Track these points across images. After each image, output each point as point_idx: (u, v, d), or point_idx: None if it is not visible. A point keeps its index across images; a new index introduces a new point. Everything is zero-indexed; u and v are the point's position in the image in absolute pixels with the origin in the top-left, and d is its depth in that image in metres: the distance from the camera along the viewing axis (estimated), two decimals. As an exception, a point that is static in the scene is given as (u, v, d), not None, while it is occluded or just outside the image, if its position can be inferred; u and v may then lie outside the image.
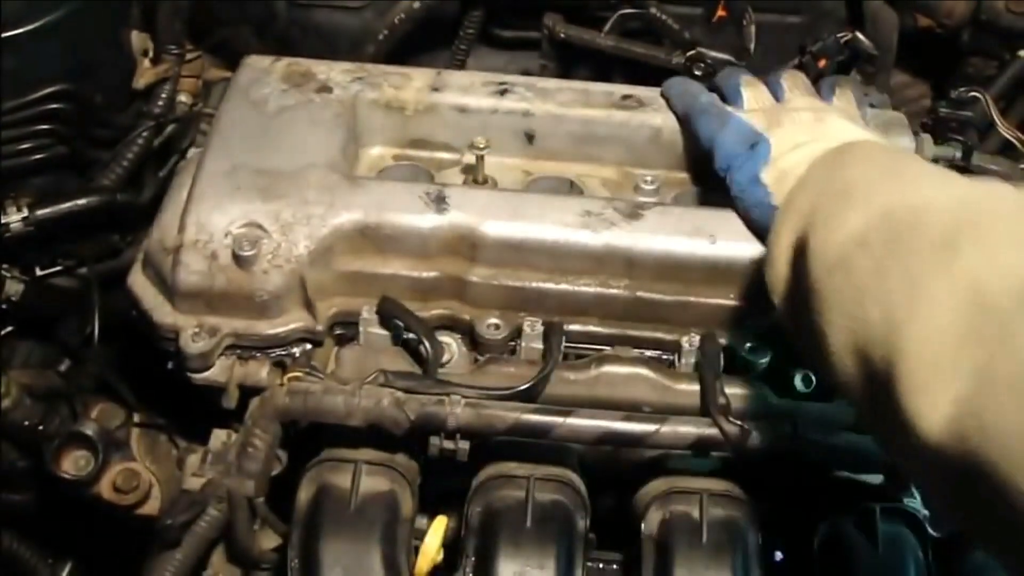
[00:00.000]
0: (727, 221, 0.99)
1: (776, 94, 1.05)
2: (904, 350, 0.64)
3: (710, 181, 1.11)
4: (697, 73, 1.32)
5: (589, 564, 0.94)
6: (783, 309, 0.84)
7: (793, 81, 1.06)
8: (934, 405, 0.61)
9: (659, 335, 1.00)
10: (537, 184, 1.12)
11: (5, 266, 1.24)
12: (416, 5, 1.39)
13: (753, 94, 1.05)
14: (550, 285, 0.99)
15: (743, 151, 0.97)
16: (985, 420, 0.57)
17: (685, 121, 1.09)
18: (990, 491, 0.56)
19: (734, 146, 0.99)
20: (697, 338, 0.98)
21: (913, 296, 0.65)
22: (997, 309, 0.60)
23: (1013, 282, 0.60)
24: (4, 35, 1.19)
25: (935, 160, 1.18)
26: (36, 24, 1.21)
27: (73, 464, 1.03)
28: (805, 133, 0.95)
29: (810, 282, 0.76)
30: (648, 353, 1.00)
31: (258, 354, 0.98)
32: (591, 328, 0.99)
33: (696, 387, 0.96)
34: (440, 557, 0.93)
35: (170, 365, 0.99)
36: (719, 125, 1.02)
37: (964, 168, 1.22)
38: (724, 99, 1.07)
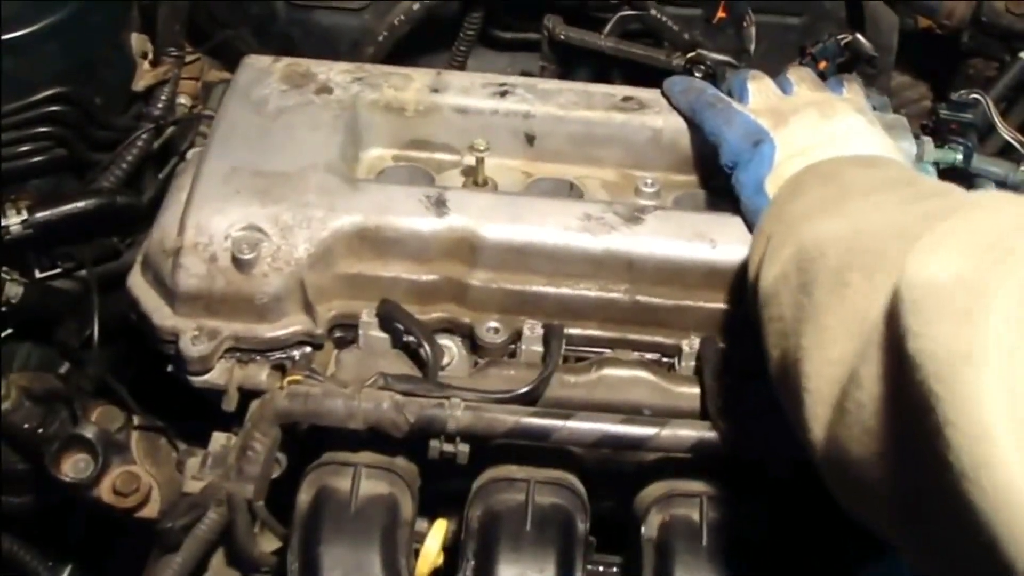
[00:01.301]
0: (727, 225, 0.99)
1: (783, 88, 1.05)
2: (803, 381, 0.69)
3: (711, 183, 1.11)
4: (697, 75, 1.32)
5: (589, 567, 0.94)
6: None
7: (799, 75, 1.06)
8: (816, 436, 0.68)
9: (659, 339, 1.00)
10: (537, 186, 1.12)
11: (5, 268, 1.24)
12: (416, 6, 1.39)
13: (759, 88, 1.04)
14: (550, 289, 0.99)
15: (748, 148, 0.97)
16: (841, 448, 0.64)
17: (689, 117, 1.09)
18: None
19: (739, 143, 0.99)
20: (697, 341, 0.98)
21: (813, 328, 0.70)
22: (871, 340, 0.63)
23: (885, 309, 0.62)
24: (4, 37, 1.19)
25: (936, 164, 1.18)
26: (36, 26, 1.21)
27: (73, 467, 1.03)
28: (810, 134, 0.95)
29: (755, 311, 0.83)
30: (648, 356, 1.00)
31: (258, 357, 0.98)
32: (591, 332, 0.99)
33: (696, 390, 0.96)
34: (440, 560, 0.93)
35: (170, 368, 0.99)
36: (724, 121, 1.01)
37: (964, 172, 1.22)
38: (730, 95, 1.07)
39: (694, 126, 1.08)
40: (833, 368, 0.66)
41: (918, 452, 0.54)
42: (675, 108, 1.11)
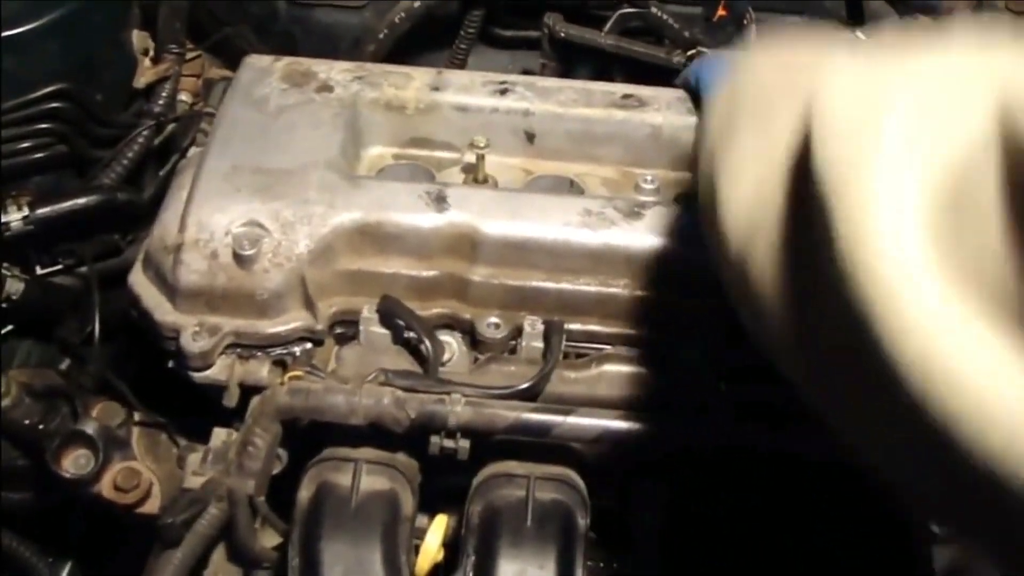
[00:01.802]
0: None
1: None
2: (720, 177, 0.69)
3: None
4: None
5: (589, 563, 0.94)
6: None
7: None
8: (730, 210, 0.66)
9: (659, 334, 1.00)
10: (537, 183, 1.12)
11: (5, 265, 1.24)
12: (416, 4, 1.39)
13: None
14: (550, 284, 0.99)
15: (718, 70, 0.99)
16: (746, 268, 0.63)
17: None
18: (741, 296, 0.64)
19: (713, 71, 1.01)
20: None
21: (729, 154, 0.69)
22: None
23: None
24: (4, 34, 1.19)
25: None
26: (36, 23, 1.21)
27: (73, 463, 1.03)
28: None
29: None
30: (648, 352, 1.00)
31: (259, 353, 0.98)
32: (591, 327, 1.00)
33: (696, 387, 0.96)
34: (441, 556, 0.93)
35: (171, 364, 0.99)
36: (707, 65, 1.05)
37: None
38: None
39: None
40: (745, 188, 0.66)
41: (810, 266, 0.55)
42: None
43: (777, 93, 0.68)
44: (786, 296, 0.60)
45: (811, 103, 0.58)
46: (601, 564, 0.99)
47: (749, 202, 0.65)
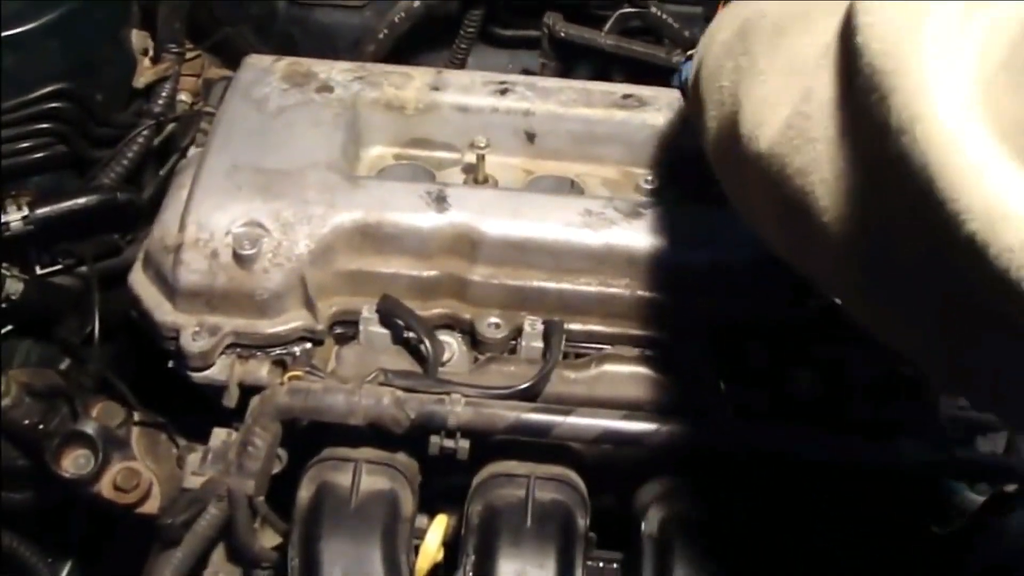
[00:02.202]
0: (727, 221, 0.99)
1: None
2: (744, 105, 0.68)
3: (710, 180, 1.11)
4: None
5: (589, 563, 0.94)
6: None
7: None
8: (764, 132, 0.66)
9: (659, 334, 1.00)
10: (537, 183, 1.12)
11: (5, 265, 1.24)
12: (416, 4, 1.39)
13: None
14: (550, 284, 0.99)
15: None
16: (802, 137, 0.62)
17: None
18: (797, 195, 0.62)
19: None
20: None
21: (751, 80, 0.69)
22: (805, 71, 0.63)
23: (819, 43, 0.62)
24: (4, 34, 1.19)
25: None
26: (36, 23, 1.21)
27: (73, 463, 1.03)
28: None
29: (695, 100, 0.81)
30: (648, 352, 1.00)
31: (258, 353, 0.98)
32: (591, 327, 1.00)
33: (696, 387, 0.96)
34: (440, 556, 0.93)
35: (170, 364, 0.99)
36: None
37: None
38: None
39: None
40: (772, 109, 0.65)
41: (869, 148, 0.55)
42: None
43: (795, 9, 0.68)
44: (845, 189, 0.59)
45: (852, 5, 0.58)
46: (601, 564, 0.99)
47: (788, 115, 0.64)
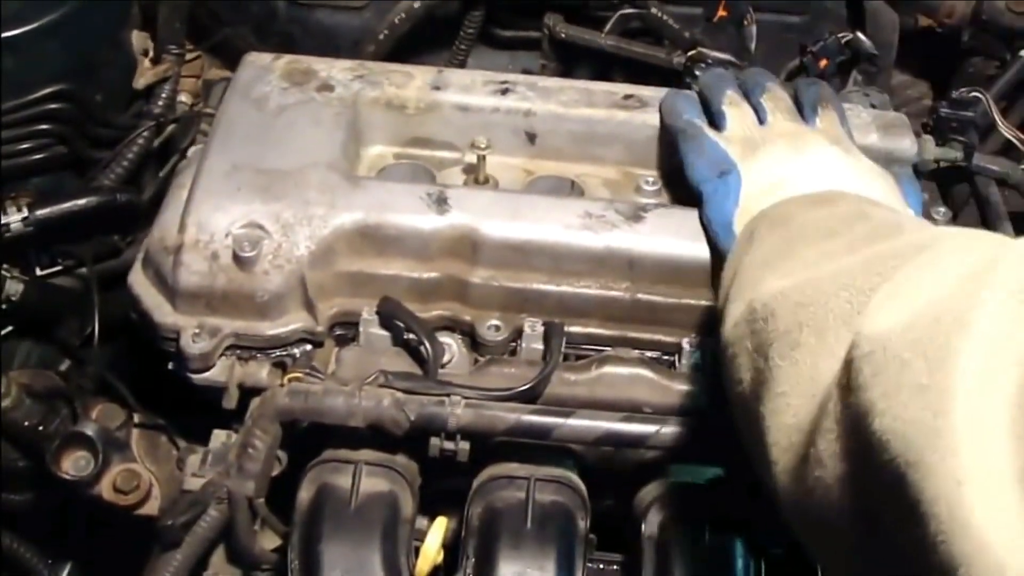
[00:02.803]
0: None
1: (760, 116, 1.01)
2: (764, 450, 0.69)
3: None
4: (697, 73, 1.32)
5: (589, 565, 0.94)
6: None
7: (775, 104, 1.02)
8: (780, 487, 0.67)
9: (659, 337, 1.00)
10: (538, 184, 1.12)
11: (5, 266, 1.24)
12: (416, 5, 1.39)
13: (736, 115, 1.01)
14: (551, 287, 0.99)
15: (713, 178, 0.96)
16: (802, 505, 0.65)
17: (669, 136, 1.06)
18: None
19: (705, 171, 0.97)
20: (697, 340, 0.98)
21: (769, 395, 0.69)
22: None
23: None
24: (4, 35, 1.19)
25: (936, 162, 1.18)
26: (36, 24, 1.21)
27: (73, 464, 1.03)
28: (779, 169, 0.93)
29: (720, 363, 0.82)
30: (648, 354, 1.00)
31: (258, 354, 0.98)
32: (592, 330, 0.99)
33: (696, 388, 0.96)
34: (440, 558, 0.93)
35: (170, 365, 0.99)
36: (695, 148, 0.99)
37: (965, 170, 1.22)
38: (708, 113, 1.04)
39: (674, 148, 1.05)
40: (791, 435, 0.65)
41: (887, 518, 0.54)
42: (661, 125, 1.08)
43: (804, 317, 0.68)
44: (854, 535, 0.60)
45: (853, 350, 0.57)
46: (601, 566, 0.99)
47: (794, 450, 0.65)
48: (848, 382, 0.57)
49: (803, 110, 1.02)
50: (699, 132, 1.01)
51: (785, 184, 0.91)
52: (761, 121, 1.01)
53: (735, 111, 1.02)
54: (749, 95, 1.04)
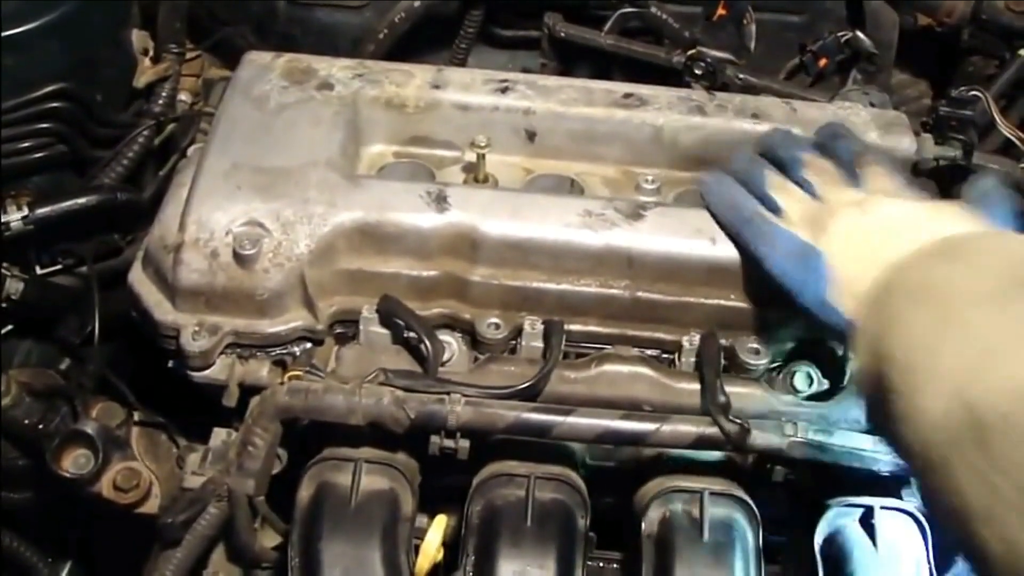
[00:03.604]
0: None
1: (805, 188, 0.97)
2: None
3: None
4: (697, 72, 1.32)
5: (589, 563, 0.94)
6: (868, 408, 0.82)
7: (820, 176, 0.98)
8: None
9: (659, 335, 1.00)
10: (538, 182, 1.12)
11: (5, 265, 1.24)
12: (416, 4, 1.39)
13: (787, 197, 0.97)
14: (550, 285, 0.99)
15: (798, 267, 0.91)
16: None
17: (727, 229, 1.00)
18: None
19: (787, 263, 0.92)
20: (697, 338, 0.98)
21: (1020, 518, 0.62)
22: None
23: None
24: (5, 33, 1.19)
25: (936, 160, 1.18)
26: (36, 23, 1.22)
27: (73, 463, 1.03)
28: (856, 236, 0.89)
29: (905, 448, 0.74)
30: (648, 352, 1.00)
31: (258, 353, 0.98)
32: (591, 328, 0.99)
33: (696, 386, 0.96)
34: (440, 556, 0.93)
35: (170, 363, 0.99)
36: (766, 241, 0.95)
37: (964, 169, 1.22)
38: (747, 185, 1.00)
39: (733, 239, 0.99)
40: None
41: None
42: (712, 215, 1.01)
43: None
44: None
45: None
46: (601, 564, 0.99)
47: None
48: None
49: (845, 173, 0.98)
50: (766, 222, 0.96)
51: (877, 248, 0.86)
52: (808, 193, 0.97)
53: (784, 194, 0.97)
54: (789, 172, 0.99)
